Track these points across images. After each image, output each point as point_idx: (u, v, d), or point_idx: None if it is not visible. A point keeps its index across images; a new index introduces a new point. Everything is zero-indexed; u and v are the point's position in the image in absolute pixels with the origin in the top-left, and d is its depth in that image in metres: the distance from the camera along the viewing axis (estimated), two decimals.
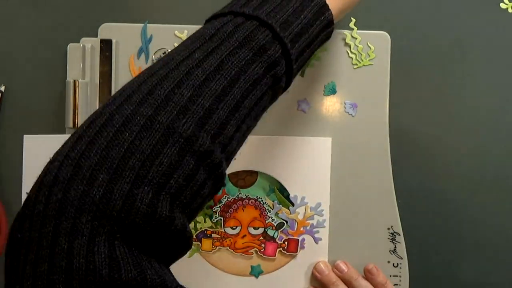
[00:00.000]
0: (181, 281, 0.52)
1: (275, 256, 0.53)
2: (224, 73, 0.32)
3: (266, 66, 0.34)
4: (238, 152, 0.48)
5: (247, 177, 0.52)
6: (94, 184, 0.27)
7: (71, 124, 0.52)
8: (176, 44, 0.54)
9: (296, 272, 0.53)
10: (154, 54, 0.54)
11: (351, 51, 0.54)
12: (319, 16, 0.38)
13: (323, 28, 0.38)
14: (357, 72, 0.54)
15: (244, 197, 0.53)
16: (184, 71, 0.32)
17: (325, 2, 0.38)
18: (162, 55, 0.54)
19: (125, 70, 0.54)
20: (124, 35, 0.54)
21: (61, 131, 0.53)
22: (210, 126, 0.31)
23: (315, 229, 0.53)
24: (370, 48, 0.54)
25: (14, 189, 0.53)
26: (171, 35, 0.54)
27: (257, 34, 0.34)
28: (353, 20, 0.54)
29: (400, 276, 0.54)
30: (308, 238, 0.53)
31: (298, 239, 0.53)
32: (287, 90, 0.40)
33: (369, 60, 0.54)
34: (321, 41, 0.39)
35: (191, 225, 0.53)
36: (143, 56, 0.54)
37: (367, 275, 0.52)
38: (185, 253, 0.33)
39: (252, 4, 0.35)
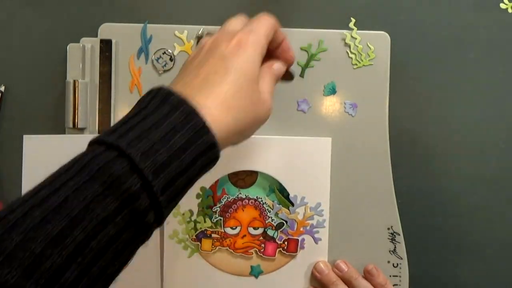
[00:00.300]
0: (181, 281, 0.52)
1: (275, 256, 0.53)
2: (65, 212, 0.29)
3: (121, 201, 0.30)
4: (239, 152, 0.48)
5: (247, 177, 0.52)
6: None
7: (71, 124, 0.52)
8: (175, 44, 0.54)
9: (296, 272, 0.53)
10: (154, 54, 0.54)
11: (351, 51, 0.54)
12: (195, 140, 0.33)
13: (202, 152, 0.33)
14: (357, 72, 0.54)
15: (244, 197, 0.53)
16: (21, 212, 0.29)
17: (204, 124, 0.33)
18: (162, 55, 0.54)
19: (125, 70, 0.54)
20: (124, 35, 0.54)
21: (61, 131, 0.53)
22: (41, 275, 0.27)
23: (315, 229, 0.53)
24: (370, 48, 0.54)
25: (14, 189, 0.53)
26: (171, 35, 0.54)
27: (113, 165, 0.30)
28: (353, 20, 0.54)
29: (400, 276, 0.54)
30: (308, 238, 0.53)
31: (298, 239, 0.53)
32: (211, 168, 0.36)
33: (369, 60, 0.54)
34: (202, 166, 0.34)
35: (192, 225, 0.53)
36: (143, 56, 0.54)
37: (367, 276, 0.52)
38: None
39: (119, 131, 0.32)
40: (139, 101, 0.35)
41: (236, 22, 0.41)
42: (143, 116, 0.33)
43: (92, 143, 0.33)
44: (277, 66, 0.42)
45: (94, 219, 0.29)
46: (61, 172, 0.31)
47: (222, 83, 0.35)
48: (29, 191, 0.31)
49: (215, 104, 0.35)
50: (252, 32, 0.38)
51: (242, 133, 0.37)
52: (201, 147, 0.33)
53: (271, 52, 0.42)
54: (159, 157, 0.31)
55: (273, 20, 0.40)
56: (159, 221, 0.33)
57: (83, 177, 0.30)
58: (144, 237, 0.32)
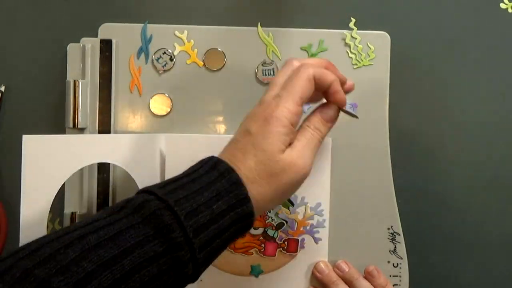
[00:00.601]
0: None
1: (275, 256, 0.53)
2: (118, 242, 0.32)
3: (167, 246, 0.33)
4: None
5: None
6: None
7: (71, 124, 0.52)
8: (176, 44, 0.54)
9: (296, 272, 0.53)
10: (154, 54, 0.54)
11: (351, 51, 0.54)
12: (236, 208, 0.36)
13: (239, 219, 0.37)
14: (357, 72, 0.54)
15: None
16: (78, 234, 0.33)
17: (246, 194, 0.37)
18: (162, 55, 0.54)
19: (125, 70, 0.54)
20: (124, 35, 0.54)
21: (61, 131, 0.53)
22: None
23: (315, 229, 0.53)
24: (370, 48, 0.54)
25: (14, 189, 0.52)
26: (171, 35, 0.54)
27: (164, 214, 0.34)
28: (353, 20, 0.54)
29: (400, 276, 0.54)
30: (308, 238, 0.53)
31: (298, 239, 0.53)
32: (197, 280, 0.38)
33: (369, 60, 0.54)
34: (236, 231, 0.38)
35: None
36: (143, 56, 0.54)
37: (368, 277, 0.52)
38: None
39: (168, 188, 0.36)
40: (191, 166, 0.39)
41: (281, 75, 0.43)
42: (193, 178, 0.37)
43: (142, 191, 0.36)
44: (325, 113, 0.43)
45: (142, 255, 0.32)
46: (114, 209, 0.35)
47: (246, 160, 0.39)
48: (84, 220, 0.35)
49: (243, 177, 0.38)
50: (279, 106, 0.40)
51: (271, 201, 0.40)
52: (240, 214, 0.37)
53: (323, 94, 0.43)
54: (202, 219, 0.35)
55: (308, 74, 0.41)
56: (195, 277, 0.36)
57: (136, 217, 0.34)
58: (179, 286, 0.35)
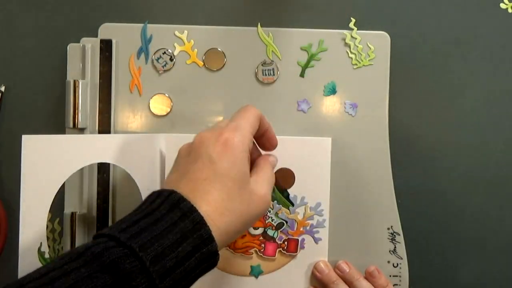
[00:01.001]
0: None
1: (275, 256, 0.53)
2: None
3: None
4: None
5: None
6: None
7: (71, 124, 0.52)
8: (176, 44, 0.54)
9: (296, 272, 0.53)
10: (154, 54, 0.54)
11: (351, 51, 0.54)
12: (201, 248, 0.35)
13: (204, 259, 0.36)
14: (357, 72, 0.54)
15: None
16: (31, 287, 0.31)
17: (210, 234, 0.35)
18: (162, 55, 0.54)
19: (125, 70, 0.54)
20: (124, 35, 0.54)
21: (61, 131, 0.53)
22: None
23: (315, 229, 0.53)
24: (370, 48, 0.54)
25: (14, 189, 0.53)
26: (171, 35, 0.54)
27: (125, 262, 0.32)
28: (353, 20, 0.54)
29: (400, 276, 0.54)
30: (308, 238, 0.53)
31: (298, 239, 0.53)
32: None
33: (369, 60, 0.54)
34: (202, 270, 0.37)
35: None
36: (143, 56, 0.54)
37: (369, 277, 0.52)
38: None
39: (131, 230, 0.34)
40: (148, 201, 0.37)
41: (224, 121, 0.43)
42: (155, 219, 0.35)
43: (101, 235, 0.34)
44: (273, 158, 0.46)
45: None
46: (72, 257, 0.33)
47: (213, 190, 0.37)
48: (39, 269, 0.33)
49: (209, 212, 0.36)
50: (237, 130, 0.40)
51: (238, 232, 0.39)
52: (205, 255, 0.35)
53: (256, 140, 0.45)
54: (168, 263, 0.33)
55: (257, 112, 0.42)
56: None
57: (94, 266, 0.32)
58: None
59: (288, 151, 0.52)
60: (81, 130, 0.53)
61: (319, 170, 0.52)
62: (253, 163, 0.44)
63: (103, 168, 0.52)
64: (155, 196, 0.37)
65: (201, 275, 0.37)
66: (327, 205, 0.53)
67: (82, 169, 0.50)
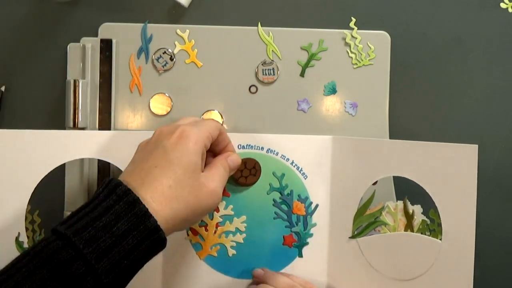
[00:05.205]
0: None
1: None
2: None
3: (66, 285, 0.33)
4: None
5: (249, 177, 0.52)
6: None
7: (71, 124, 0.52)
8: (176, 43, 0.54)
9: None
10: (154, 53, 0.54)
11: (351, 51, 0.54)
12: (138, 226, 0.35)
13: (144, 237, 0.36)
14: (357, 72, 0.54)
15: None
16: None
17: (146, 210, 0.36)
18: (162, 55, 0.54)
19: (125, 70, 0.54)
20: (124, 35, 0.54)
21: None
22: None
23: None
24: (370, 48, 0.54)
25: None
26: (171, 35, 0.54)
27: (60, 253, 0.33)
28: (353, 19, 0.54)
29: None
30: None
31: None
32: None
33: (369, 60, 0.54)
34: (147, 249, 0.37)
35: None
36: (143, 56, 0.54)
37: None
38: None
39: (69, 222, 0.35)
40: (95, 192, 0.38)
41: (185, 118, 0.44)
42: (93, 206, 0.36)
43: (51, 231, 0.36)
44: (232, 158, 0.46)
45: None
46: (19, 259, 0.34)
47: (162, 177, 0.38)
48: None
49: (154, 197, 0.37)
50: (195, 126, 0.41)
51: (185, 220, 0.39)
52: (144, 231, 0.36)
53: (217, 155, 0.45)
54: (102, 243, 0.34)
55: (217, 124, 0.44)
56: None
57: (34, 264, 0.33)
58: None
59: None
60: (81, 130, 0.53)
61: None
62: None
63: (103, 168, 0.52)
64: (98, 186, 0.39)
65: (149, 255, 0.37)
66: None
67: (82, 169, 0.50)
